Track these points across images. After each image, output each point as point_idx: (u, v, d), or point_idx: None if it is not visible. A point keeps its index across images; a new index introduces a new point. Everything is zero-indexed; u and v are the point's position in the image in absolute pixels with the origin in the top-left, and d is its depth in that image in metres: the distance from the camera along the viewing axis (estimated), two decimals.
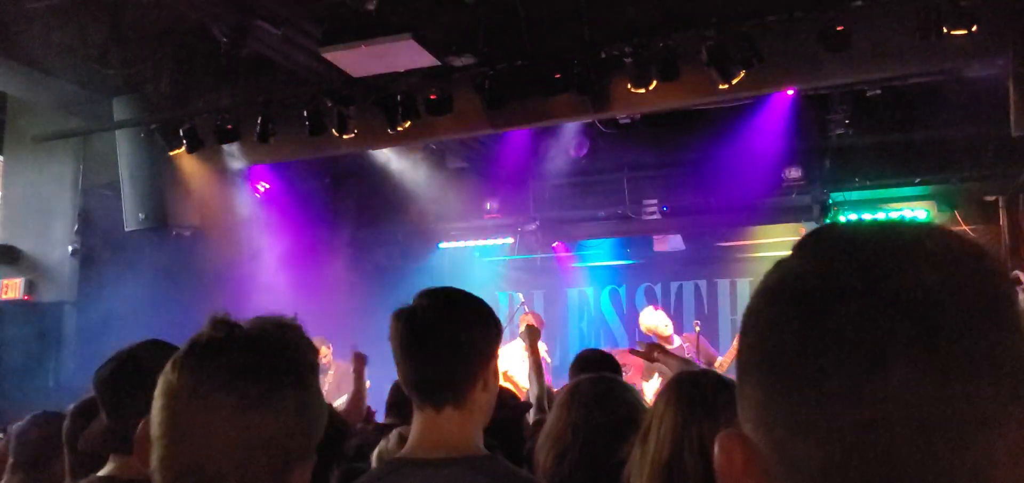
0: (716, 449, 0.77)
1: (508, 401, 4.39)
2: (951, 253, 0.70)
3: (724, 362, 8.13)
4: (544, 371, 5.33)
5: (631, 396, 2.94)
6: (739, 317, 6.69)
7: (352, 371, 9.95)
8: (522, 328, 6.39)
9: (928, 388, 0.65)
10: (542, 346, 8.52)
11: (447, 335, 2.13)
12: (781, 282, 0.75)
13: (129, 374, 2.20)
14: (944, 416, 0.65)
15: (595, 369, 3.66)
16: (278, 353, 1.36)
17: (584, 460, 2.72)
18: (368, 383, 6.77)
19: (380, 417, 5.88)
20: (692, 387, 2.44)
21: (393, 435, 3.43)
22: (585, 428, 2.77)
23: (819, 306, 0.69)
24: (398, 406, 5.00)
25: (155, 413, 1.34)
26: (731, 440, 0.76)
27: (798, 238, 0.80)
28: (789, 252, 0.78)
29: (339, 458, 3.22)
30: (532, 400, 4.92)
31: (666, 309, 13.60)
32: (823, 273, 0.71)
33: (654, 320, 9.07)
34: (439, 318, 2.15)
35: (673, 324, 9.07)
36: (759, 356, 0.74)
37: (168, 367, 1.35)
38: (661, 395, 2.49)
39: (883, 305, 0.67)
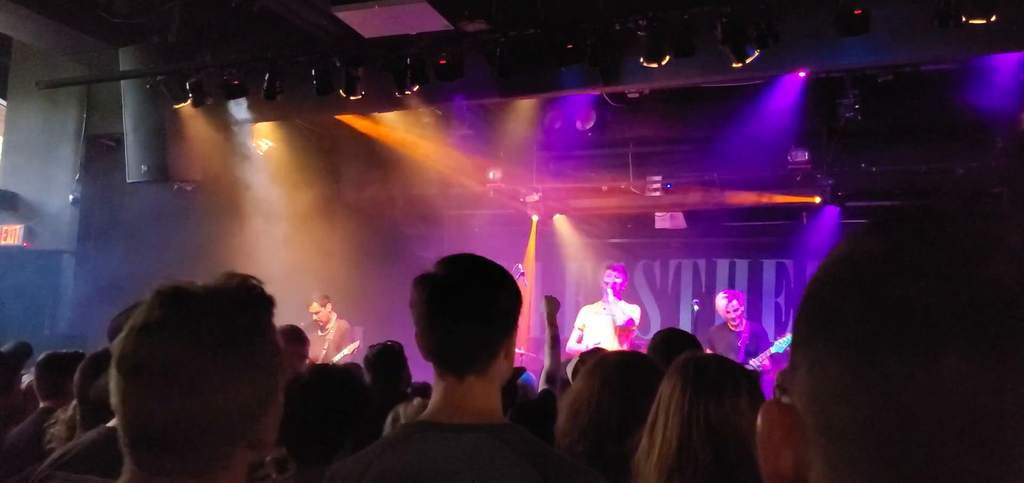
0: (759, 418, 0.76)
1: None
2: None
3: None
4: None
5: (656, 378, 2.91)
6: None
7: (349, 331, 10.00)
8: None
9: (984, 383, 0.62)
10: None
11: (476, 304, 2.09)
12: (849, 256, 0.72)
13: None
14: (997, 414, 0.62)
15: (678, 350, 3.63)
16: (211, 329, 1.34)
17: (593, 427, 2.71)
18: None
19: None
20: (696, 370, 2.43)
21: (416, 402, 3.42)
22: (600, 396, 2.76)
23: (883, 282, 0.67)
24: None
25: (111, 385, 1.36)
26: (773, 408, 0.76)
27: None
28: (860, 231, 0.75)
29: (359, 420, 3.17)
30: (543, 372, 4.87)
31: (664, 287, 13.75)
32: (894, 251, 0.69)
33: (719, 302, 9.53)
34: (467, 286, 2.09)
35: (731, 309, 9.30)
36: (815, 325, 0.72)
37: (115, 343, 1.36)
38: (667, 380, 2.48)
39: (950, 291, 0.64)
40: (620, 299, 9.24)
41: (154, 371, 1.32)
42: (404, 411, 3.35)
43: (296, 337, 5.37)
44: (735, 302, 9.29)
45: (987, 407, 0.62)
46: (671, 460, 2.32)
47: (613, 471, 2.39)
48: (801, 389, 0.73)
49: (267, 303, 1.45)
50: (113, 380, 1.35)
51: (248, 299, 1.42)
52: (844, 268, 0.72)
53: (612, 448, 2.56)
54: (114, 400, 1.35)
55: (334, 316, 9.89)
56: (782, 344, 8.62)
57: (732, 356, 8.02)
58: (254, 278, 1.46)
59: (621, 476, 2.42)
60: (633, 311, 9.22)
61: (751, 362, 8.54)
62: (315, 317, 9.71)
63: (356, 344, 9.78)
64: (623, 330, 8.94)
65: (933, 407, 0.63)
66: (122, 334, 1.36)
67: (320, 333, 9.64)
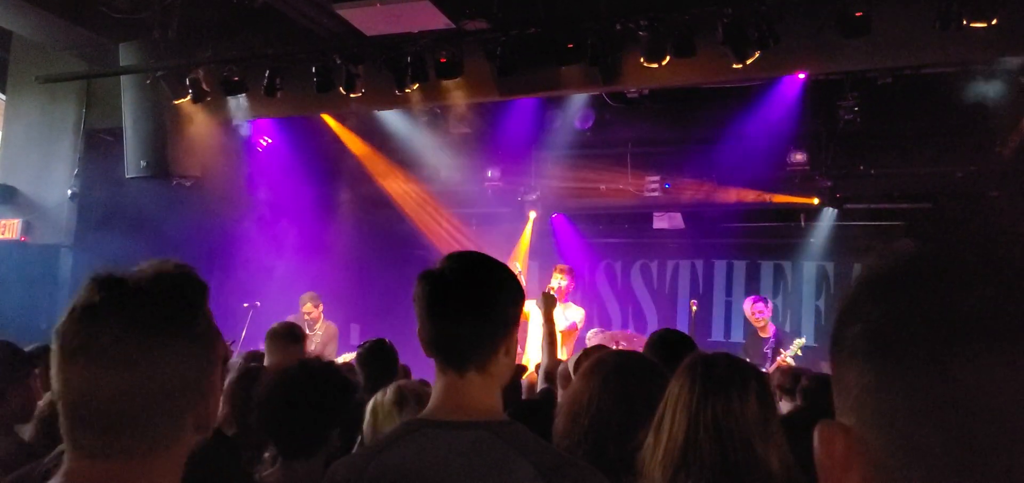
0: (815, 440, 0.74)
1: None
2: None
3: None
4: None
5: (654, 377, 2.90)
6: (732, 299, 6.66)
7: (336, 333, 9.98)
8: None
9: None
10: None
11: (476, 299, 2.10)
12: (895, 267, 0.71)
13: None
14: None
15: (674, 350, 3.62)
16: (149, 311, 1.37)
17: (594, 429, 2.69)
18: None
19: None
20: (705, 368, 2.42)
21: (391, 388, 3.38)
22: (600, 397, 2.74)
23: (945, 289, 0.65)
24: None
25: (52, 371, 1.38)
26: (831, 430, 0.73)
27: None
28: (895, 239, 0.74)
29: (343, 414, 3.17)
30: (541, 370, 4.86)
31: (661, 288, 13.74)
32: (945, 257, 0.68)
33: (746, 308, 9.61)
34: (468, 282, 2.11)
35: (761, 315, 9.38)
36: (870, 341, 0.70)
37: (56, 327, 1.38)
38: (676, 379, 2.47)
39: (1014, 291, 0.63)
40: (567, 301, 9.07)
41: (94, 352, 1.33)
42: (381, 398, 3.31)
43: (295, 337, 5.45)
44: (761, 306, 9.26)
45: None
46: (677, 457, 2.32)
47: (616, 470, 2.38)
48: (863, 410, 0.71)
49: (202, 288, 1.48)
50: (55, 365, 1.37)
51: (184, 283, 1.44)
52: (890, 282, 0.71)
53: (614, 447, 2.55)
54: (56, 385, 1.37)
55: (323, 317, 9.87)
56: (797, 346, 8.57)
57: (764, 365, 8.09)
58: (187, 265, 1.48)
59: (624, 475, 2.41)
60: (577, 314, 9.03)
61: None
62: (307, 317, 9.69)
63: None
64: (565, 334, 8.64)
65: (1018, 409, 0.62)
66: (62, 318, 1.38)
67: (309, 332, 9.62)
